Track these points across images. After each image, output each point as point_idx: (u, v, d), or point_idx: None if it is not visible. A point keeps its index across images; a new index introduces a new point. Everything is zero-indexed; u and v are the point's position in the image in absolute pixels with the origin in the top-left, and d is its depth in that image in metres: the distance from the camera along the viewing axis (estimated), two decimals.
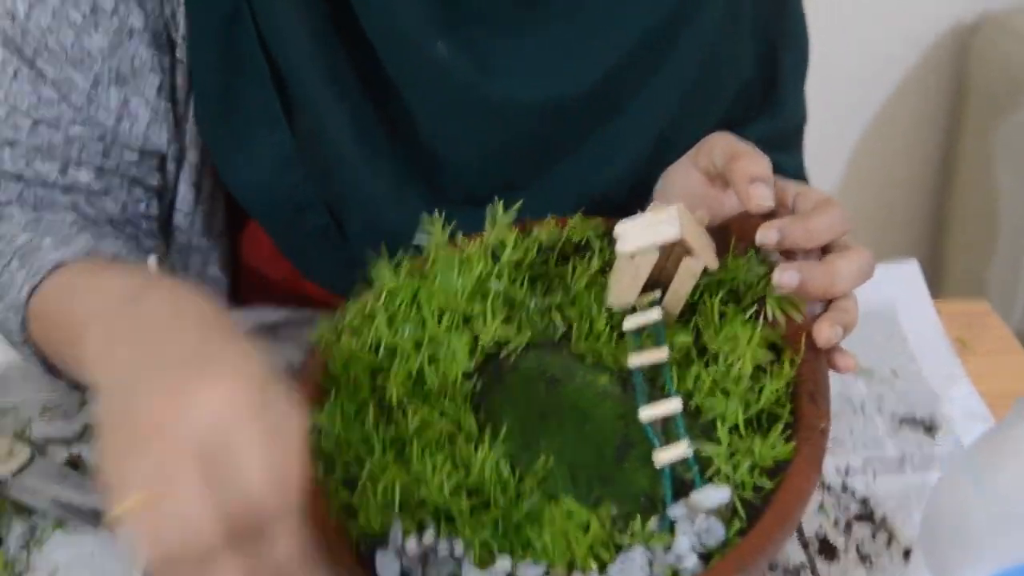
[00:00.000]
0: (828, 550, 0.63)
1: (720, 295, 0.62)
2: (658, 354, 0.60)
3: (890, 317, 0.83)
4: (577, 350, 0.62)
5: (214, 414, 0.44)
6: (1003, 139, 1.52)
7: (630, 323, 0.61)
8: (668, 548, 0.54)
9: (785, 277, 0.59)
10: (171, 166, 0.79)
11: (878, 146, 1.65)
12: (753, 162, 0.62)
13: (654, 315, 0.61)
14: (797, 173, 0.90)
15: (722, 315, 0.62)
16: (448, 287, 0.65)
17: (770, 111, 0.87)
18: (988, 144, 1.55)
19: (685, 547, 0.53)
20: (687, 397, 0.59)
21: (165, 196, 0.81)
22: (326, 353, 0.64)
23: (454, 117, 0.75)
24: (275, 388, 0.47)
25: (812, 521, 0.66)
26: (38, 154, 0.75)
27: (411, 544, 0.56)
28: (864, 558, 0.63)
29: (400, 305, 0.65)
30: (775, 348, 0.61)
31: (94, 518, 0.66)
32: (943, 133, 1.66)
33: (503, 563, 0.55)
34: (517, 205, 0.67)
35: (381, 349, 0.63)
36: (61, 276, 0.67)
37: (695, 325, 0.62)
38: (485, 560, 0.56)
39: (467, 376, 0.62)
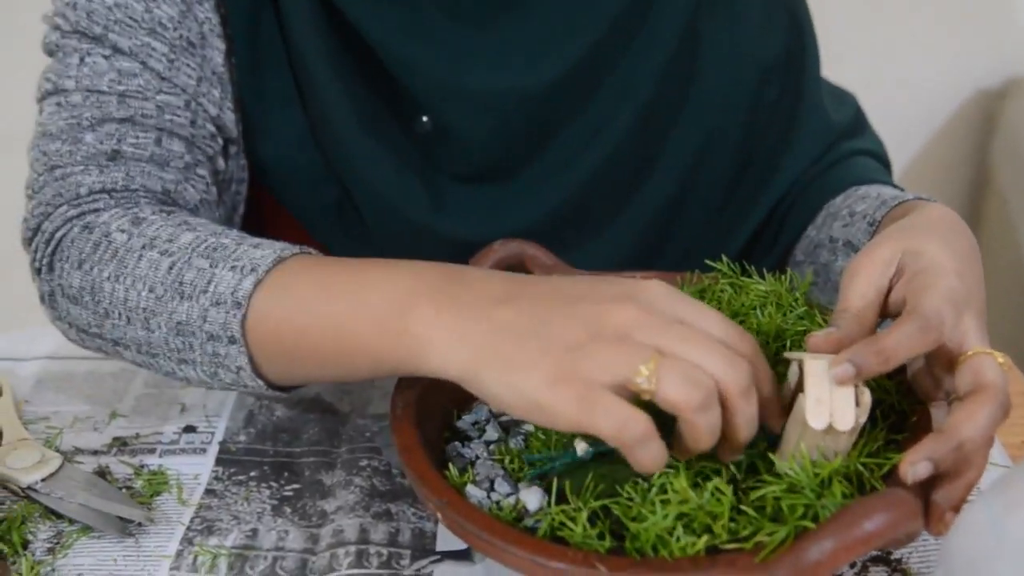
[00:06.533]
0: None
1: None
2: None
3: None
4: None
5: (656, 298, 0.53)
6: None
7: None
8: None
9: (840, 370, 0.53)
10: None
11: None
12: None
13: None
14: (876, 149, 0.89)
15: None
16: None
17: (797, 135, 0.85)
18: (1012, 208, 1.52)
19: None
20: None
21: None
22: None
23: (443, 107, 0.78)
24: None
25: None
26: (131, 126, 0.72)
27: None
28: None
29: None
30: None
31: (118, 525, 0.65)
32: (967, 195, 1.63)
33: None
34: None
35: None
36: (295, 274, 0.62)
37: None
38: None
39: None
